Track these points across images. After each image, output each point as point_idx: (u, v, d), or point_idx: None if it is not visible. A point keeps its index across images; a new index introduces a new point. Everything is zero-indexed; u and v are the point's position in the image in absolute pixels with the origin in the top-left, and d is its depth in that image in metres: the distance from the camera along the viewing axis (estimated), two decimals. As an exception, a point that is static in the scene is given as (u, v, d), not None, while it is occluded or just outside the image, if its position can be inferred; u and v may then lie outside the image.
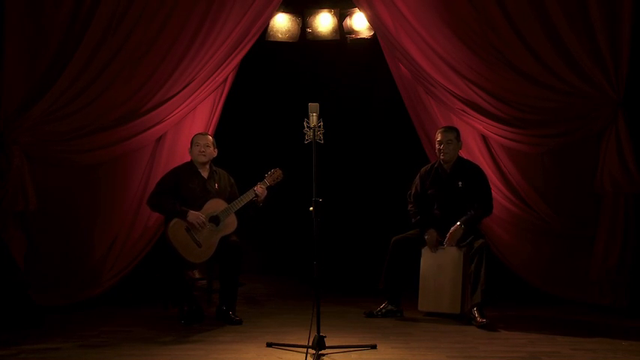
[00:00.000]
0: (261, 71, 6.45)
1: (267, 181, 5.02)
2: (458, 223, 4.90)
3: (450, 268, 4.90)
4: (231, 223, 4.92)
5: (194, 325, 4.69)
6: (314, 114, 4.11)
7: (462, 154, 5.28)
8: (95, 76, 5.15)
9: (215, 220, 4.88)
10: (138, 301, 5.41)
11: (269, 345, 4.14)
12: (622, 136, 5.04)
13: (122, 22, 5.19)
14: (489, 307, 4.80)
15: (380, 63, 5.86)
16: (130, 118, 5.26)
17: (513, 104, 5.25)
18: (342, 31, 6.16)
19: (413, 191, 5.22)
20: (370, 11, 5.45)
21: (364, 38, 6.12)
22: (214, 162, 5.16)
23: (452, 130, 5.10)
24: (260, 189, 4.97)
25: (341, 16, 6.14)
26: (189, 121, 5.56)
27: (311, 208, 4.07)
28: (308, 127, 4.12)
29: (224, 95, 5.63)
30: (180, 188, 4.95)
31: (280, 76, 6.62)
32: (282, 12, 6.03)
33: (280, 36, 6.09)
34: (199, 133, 5.16)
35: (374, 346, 4.11)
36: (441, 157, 5.07)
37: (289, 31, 6.10)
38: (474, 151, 5.54)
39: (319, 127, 4.13)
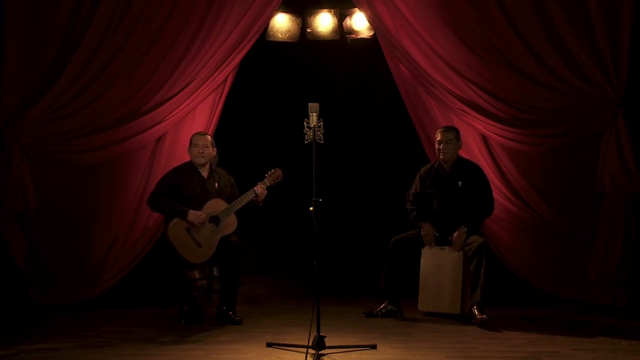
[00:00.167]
0: (261, 71, 6.45)
1: (267, 181, 5.01)
2: (461, 227, 4.90)
3: (450, 268, 4.90)
4: (231, 223, 4.92)
5: (194, 325, 4.69)
6: (314, 114, 4.11)
7: (462, 154, 5.29)
8: (95, 76, 5.15)
9: (215, 220, 4.87)
10: (138, 301, 5.40)
11: (269, 345, 4.14)
12: (622, 136, 5.04)
13: (122, 22, 5.18)
14: (489, 307, 4.79)
15: (380, 63, 5.86)
16: (130, 118, 5.26)
17: (513, 104, 5.25)
18: (342, 31, 6.16)
19: (412, 191, 5.22)
20: (370, 11, 5.45)
21: (364, 38, 6.12)
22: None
23: (451, 130, 5.10)
24: (260, 189, 4.96)
25: (341, 16, 6.14)
26: (189, 121, 5.56)
27: (311, 208, 4.07)
28: (308, 127, 4.12)
29: (224, 95, 5.63)
30: (180, 188, 4.94)
31: (280, 76, 6.62)
32: (282, 12, 6.02)
33: (280, 36, 6.09)
34: (197, 133, 5.12)
35: (374, 346, 4.11)
36: (441, 156, 5.07)
37: (289, 31, 6.10)
38: (474, 151, 5.54)
39: (319, 127, 4.13)
